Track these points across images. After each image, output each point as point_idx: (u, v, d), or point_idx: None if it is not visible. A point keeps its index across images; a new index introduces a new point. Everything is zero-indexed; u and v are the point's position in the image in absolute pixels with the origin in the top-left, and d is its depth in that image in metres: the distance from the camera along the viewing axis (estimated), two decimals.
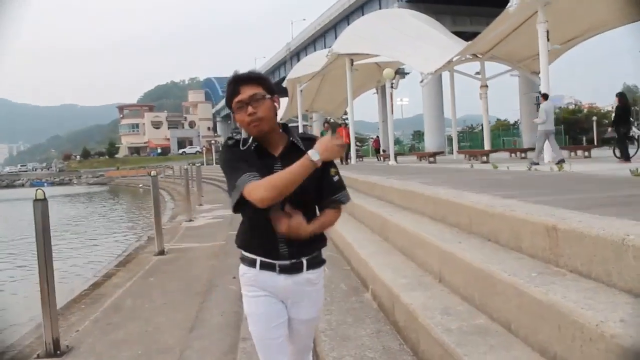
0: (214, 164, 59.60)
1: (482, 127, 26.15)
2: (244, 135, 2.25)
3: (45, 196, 5.41)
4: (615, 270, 2.41)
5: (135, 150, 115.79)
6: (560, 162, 11.49)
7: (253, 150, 2.19)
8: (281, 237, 2.18)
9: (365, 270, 4.89)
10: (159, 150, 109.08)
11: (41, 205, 5.32)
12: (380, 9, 40.59)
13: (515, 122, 52.58)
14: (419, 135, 62.08)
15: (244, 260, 2.30)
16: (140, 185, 52.17)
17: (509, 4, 13.07)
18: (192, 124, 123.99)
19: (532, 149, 22.44)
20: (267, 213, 2.14)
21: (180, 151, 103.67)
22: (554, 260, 2.90)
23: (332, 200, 2.26)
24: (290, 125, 2.41)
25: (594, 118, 31.00)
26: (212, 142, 76.04)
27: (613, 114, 13.36)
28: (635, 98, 72.45)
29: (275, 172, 2.10)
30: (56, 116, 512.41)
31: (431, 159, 20.42)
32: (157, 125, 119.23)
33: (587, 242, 2.63)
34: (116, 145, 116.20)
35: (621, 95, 13.32)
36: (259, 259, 2.23)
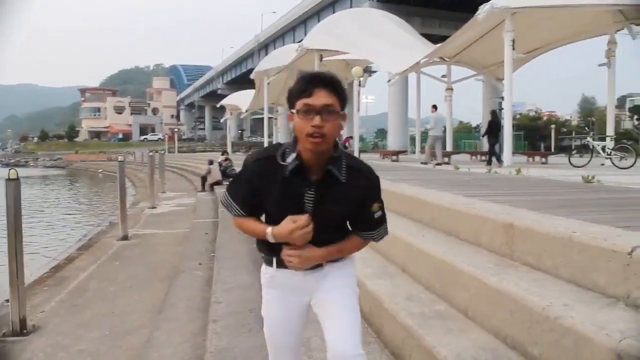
0: (176, 152, 59.09)
1: (445, 129, 26.72)
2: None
3: (18, 176, 5.46)
4: (562, 263, 2.70)
5: (96, 134, 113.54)
6: (437, 164, 14.52)
7: (290, 172, 1.95)
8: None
9: None
10: (120, 136, 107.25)
11: (13, 185, 5.37)
12: (351, 7, 40.82)
13: (477, 125, 53.64)
14: (382, 134, 62.67)
15: (264, 259, 2.18)
16: (100, 170, 51.29)
17: (478, 12, 13.45)
18: (155, 111, 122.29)
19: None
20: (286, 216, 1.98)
21: (142, 137, 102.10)
22: (509, 254, 3.18)
23: (362, 235, 2.13)
24: (256, 117, 2.11)
25: (553, 126, 31.88)
26: (175, 130, 75.11)
27: (486, 127, 16.57)
28: (592, 109, 74.83)
29: (307, 200, 1.97)
30: (13, 95, 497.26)
31: (394, 157, 20.81)
32: (119, 110, 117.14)
33: (539, 238, 2.92)
34: (76, 129, 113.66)
35: (493, 112, 16.38)
36: (275, 258, 2.09)
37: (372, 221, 2.09)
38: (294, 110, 1.92)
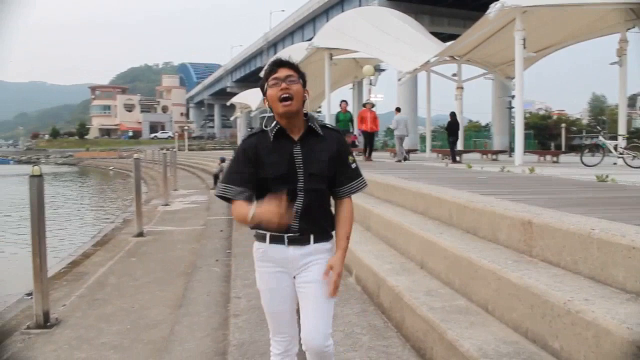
0: (186, 150, 59.34)
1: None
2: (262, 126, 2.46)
3: (41, 172, 5.58)
4: (582, 260, 2.77)
5: (106, 132, 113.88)
6: (398, 161, 16.64)
7: (274, 134, 2.40)
8: (295, 213, 2.36)
9: (348, 256, 5.18)
10: (130, 134, 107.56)
11: (37, 181, 5.48)
12: (360, 6, 40.80)
13: (487, 124, 53.48)
14: (391, 132, 62.55)
15: (257, 236, 2.49)
16: (111, 168, 51.67)
17: (488, 10, 13.46)
18: (165, 109, 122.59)
19: (503, 151, 23.20)
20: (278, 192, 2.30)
21: (152, 135, 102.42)
22: (527, 251, 3.25)
23: (348, 189, 2.50)
24: (264, 115, 2.62)
25: (563, 125, 31.75)
26: (185, 128, 75.40)
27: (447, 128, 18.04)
28: (603, 107, 74.37)
29: (295, 154, 2.38)
30: (24, 93, 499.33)
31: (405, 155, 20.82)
32: (129, 108, 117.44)
33: (558, 235, 2.99)
34: (86, 126, 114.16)
35: (452, 114, 17.61)
36: (268, 233, 2.41)
37: (351, 171, 2.50)
38: (266, 88, 2.40)
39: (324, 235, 2.48)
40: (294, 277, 2.48)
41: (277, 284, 2.47)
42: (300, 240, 2.42)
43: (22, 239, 11.56)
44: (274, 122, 2.42)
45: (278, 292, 2.48)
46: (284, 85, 2.34)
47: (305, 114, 2.45)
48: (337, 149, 2.45)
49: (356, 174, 2.52)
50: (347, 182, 2.49)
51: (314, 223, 2.43)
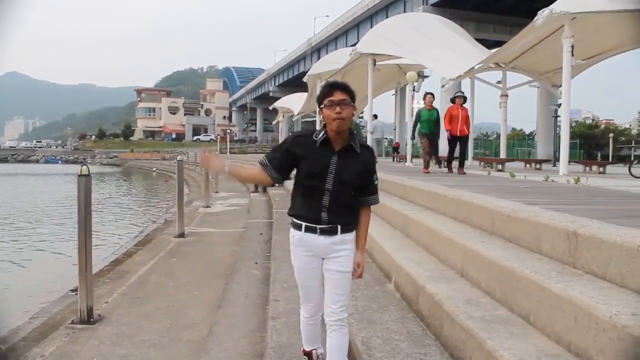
0: (228, 153, 60.03)
1: (497, 135, 26.31)
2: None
3: (89, 172, 5.73)
4: (629, 273, 2.70)
5: (151, 134, 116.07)
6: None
7: (320, 142, 2.86)
8: (323, 208, 2.88)
9: (388, 262, 5.18)
10: (174, 136, 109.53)
11: (85, 181, 5.64)
12: (404, 12, 40.70)
13: (531, 132, 52.47)
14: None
15: (294, 225, 3.02)
16: (154, 169, 52.65)
17: (536, 17, 13.21)
18: (208, 112, 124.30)
19: (547, 161, 22.73)
20: (315, 190, 2.87)
21: (195, 138, 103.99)
22: (572, 263, 3.18)
23: (367, 200, 3.02)
24: (306, 120, 2.97)
25: (611, 135, 30.86)
26: (227, 131, 76.26)
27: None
28: None
29: (332, 163, 2.85)
30: (74, 95, 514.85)
31: (446, 163, 20.60)
32: (173, 110, 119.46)
33: (604, 247, 2.92)
34: (132, 128, 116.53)
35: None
36: (304, 224, 2.95)
37: (373, 187, 3.00)
38: (322, 106, 2.84)
39: (348, 227, 2.98)
40: (323, 259, 2.99)
41: (308, 264, 3.01)
42: (329, 231, 2.92)
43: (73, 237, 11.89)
44: (323, 132, 2.87)
45: (309, 271, 3.03)
46: (338, 109, 2.77)
47: (351, 133, 2.90)
48: (367, 166, 2.94)
49: (375, 190, 3.03)
50: (367, 194, 3.01)
51: (340, 217, 2.92)
